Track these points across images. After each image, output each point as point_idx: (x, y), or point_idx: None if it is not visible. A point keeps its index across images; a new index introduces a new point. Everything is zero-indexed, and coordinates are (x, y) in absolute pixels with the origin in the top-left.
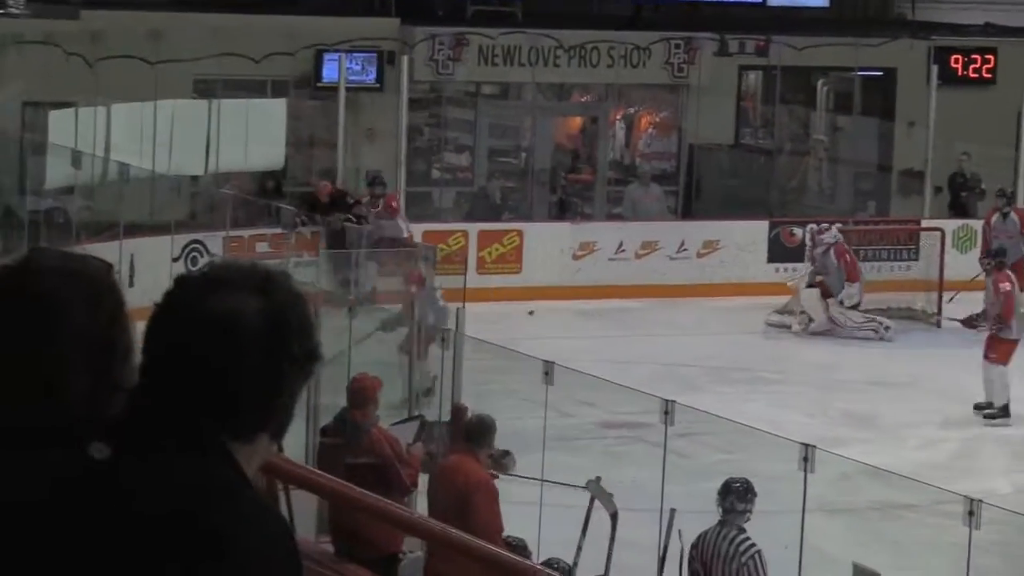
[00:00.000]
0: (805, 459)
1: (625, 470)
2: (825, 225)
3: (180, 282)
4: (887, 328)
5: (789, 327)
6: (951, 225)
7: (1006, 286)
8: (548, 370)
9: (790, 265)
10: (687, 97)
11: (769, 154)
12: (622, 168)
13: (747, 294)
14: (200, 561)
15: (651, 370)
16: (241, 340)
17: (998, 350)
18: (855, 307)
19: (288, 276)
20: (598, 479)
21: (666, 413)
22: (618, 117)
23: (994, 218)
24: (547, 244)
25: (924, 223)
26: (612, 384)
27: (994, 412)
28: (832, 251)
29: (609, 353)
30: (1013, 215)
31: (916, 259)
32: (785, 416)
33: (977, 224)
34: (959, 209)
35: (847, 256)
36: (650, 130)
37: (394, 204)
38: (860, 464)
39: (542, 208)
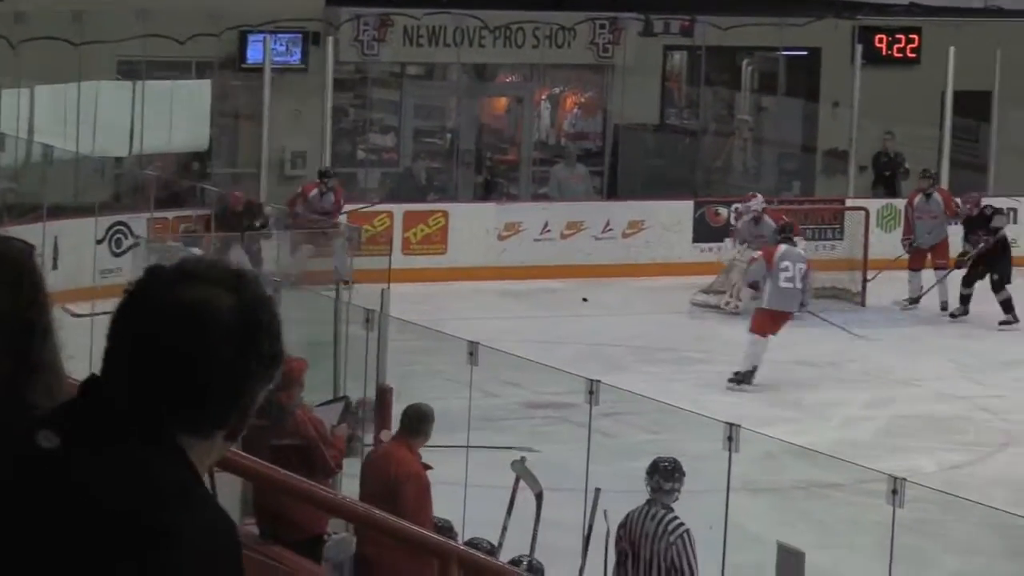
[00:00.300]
0: (730, 438)
1: (551, 449)
2: (750, 194)
3: (151, 272)
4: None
5: (717, 307)
6: (875, 205)
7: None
8: (473, 350)
9: (715, 245)
10: (612, 77)
11: (694, 134)
12: (547, 148)
13: (672, 274)
14: (149, 559)
15: (576, 350)
16: (213, 333)
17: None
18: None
19: (258, 277)
20: (523, 459)
21: (591, 393)
22: (543, 97)
23: (917, 199)
24: (472, 225)
25: (848, 203)
26: (537, 364)
27: (739, 377)
28: (765, 217)
29: (534, 333)
30: (937, 195)
31: (841, 238)
32: (710, 396)
33: (901, 204)
34: (883, 189)
35: (783, 216)
36: (575, 110)
37: (341, 200)
38: (784, 443)
39: (467, 189)
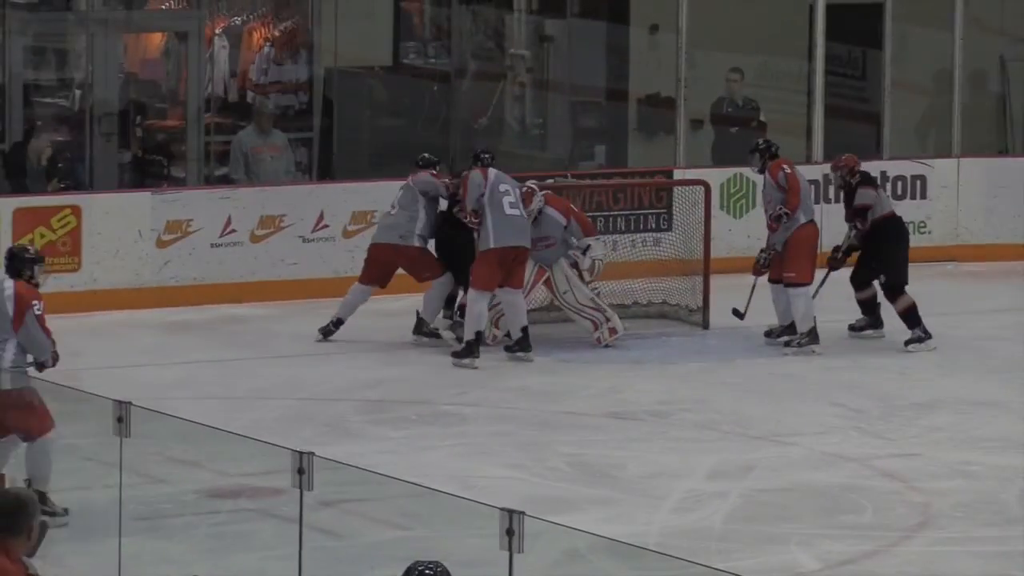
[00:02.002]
0: (510, 532)
1: (245, 559)
2: (528, 186)
3: None
4: (611, 328)
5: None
6: (719, 176)
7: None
8: (123, 415)
9: None
10: None
11: (446, 79)
12: (228, 108)
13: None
14: None
15: (282, 407)
16: None
17: None
18: (592, 272)
19: None
20: None
21: (301, 472)
22: (218, 31)
23: (780, 174)
24: (118, 225)
25: (678, 174)
26: (221, 432)
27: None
28: (548, 210)
29: (216, 385)
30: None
31: (669, 228)
32: (482, 469)
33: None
34: (729, 151)
35: (573, 209)
36: (266, 49)
37: None
38: (594, 536)
39: (109, 172)
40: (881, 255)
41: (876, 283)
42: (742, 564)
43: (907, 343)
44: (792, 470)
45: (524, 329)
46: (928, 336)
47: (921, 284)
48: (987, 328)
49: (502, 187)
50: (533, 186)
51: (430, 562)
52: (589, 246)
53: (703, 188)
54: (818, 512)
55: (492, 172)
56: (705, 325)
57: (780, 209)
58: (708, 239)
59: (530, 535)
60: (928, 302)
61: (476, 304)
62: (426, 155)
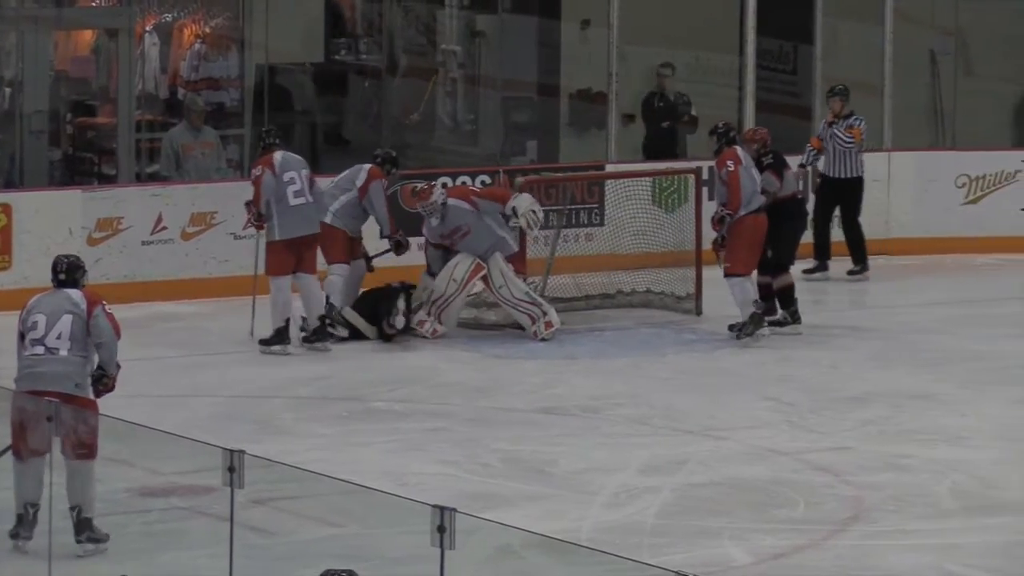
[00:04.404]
0: (441, 528)
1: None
2: (421, 184)
3: None
4: (547, 322)
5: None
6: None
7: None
8: (53, 415)
9: (414, 239)
10: None
11: (377, 75)
12: (159, 105)
13: None
14: None
15: (213, 405)
16: None
17: None
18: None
19: None
20: None
21: (231, 470)
22: (148, 28)
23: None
24: (48, 224)
25: (611, 168)
26: (152, 431)
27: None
28: (453, 201)
29: (148, 382)
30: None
31: (600, 223)
32: (415, 466)
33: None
34: (661, 146)
35: (473, 191)
36: (197, 46)
37: None
38: (526, 533)
39: (39, 170)
40: (777, 232)
41: (792, 272)
42: (675, 559)
43: (770, 323)
44: (724, 464)
45: (286, 326)
46: (790, 321)
47: (853, 278)
48: (919, 321)
49: (287, 175)
50: (436, 184)
51: (343, 569)
52: (514, 207)
53: (693, 176)
54: (750, 506)
55: (278, 157)
56: (698, 312)
57: (722, 211)
58: (700, 226)
59: (462, 532)
60: (860, 295)
61: (279, 293)
62: (389, 153)
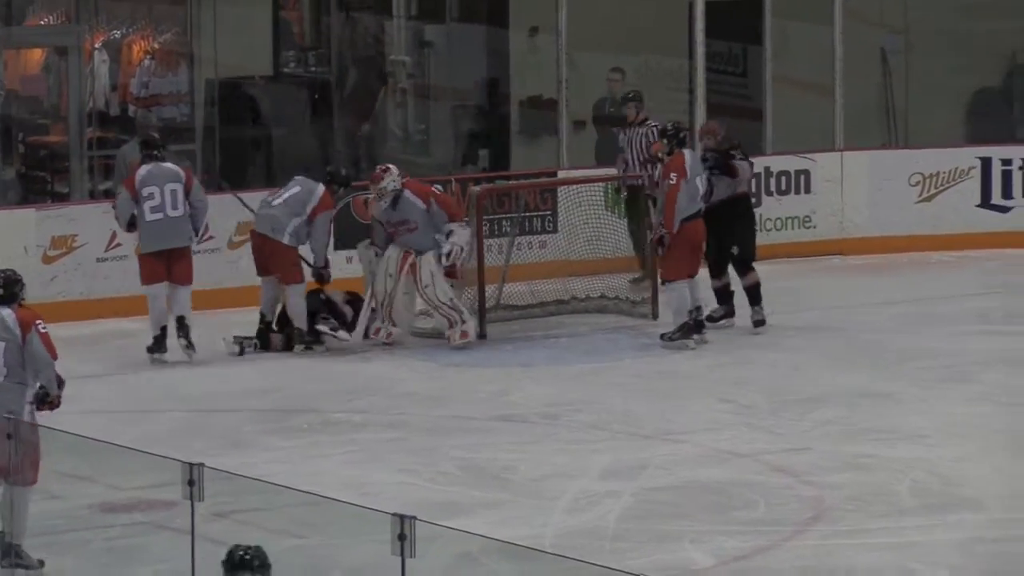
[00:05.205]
0: (402, 537)
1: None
2: (380, 168)
3: None
4: (463, 331)
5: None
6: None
7: None
8: (12, 431)
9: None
10: (199, 9)
11: (326, 87)
12: (109, 122)
13: None
14: None
15: (172, 420)
16: None
17: None
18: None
19: None
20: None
21: (191, 484)
22: (97, 45)
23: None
24: (3, 242)
25: (563, 174)
26: (111, 446)
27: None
28: (406, 194)
29: (106, 398)
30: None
31: (554, 230)
32: (374, 475)
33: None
34: (613, 152)
35: (435, 193)
36: (147, 62)
37: None
38: (487, 540)
39: None
40: (734, 230)
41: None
42: (637, 563)
43: (755, 324)
44: (684, 468)
45: (161, 333)
46: (724, 316)
47: (808, 279)
48: (875, 321)
49: (146, 191)
50: (391, 167)
51: (250, 546)
52: (452, 231)
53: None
54: (711, 509)
55: (142, 172)
56: (654, 316)
57: (660, 230)
58: (650, 230)
59: (423, 539)
60: (815, 296)
61: (152, 302)
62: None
